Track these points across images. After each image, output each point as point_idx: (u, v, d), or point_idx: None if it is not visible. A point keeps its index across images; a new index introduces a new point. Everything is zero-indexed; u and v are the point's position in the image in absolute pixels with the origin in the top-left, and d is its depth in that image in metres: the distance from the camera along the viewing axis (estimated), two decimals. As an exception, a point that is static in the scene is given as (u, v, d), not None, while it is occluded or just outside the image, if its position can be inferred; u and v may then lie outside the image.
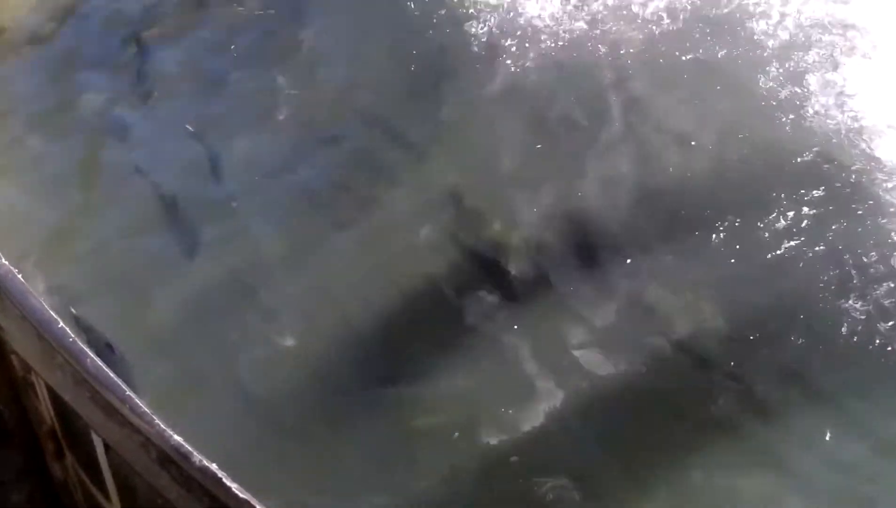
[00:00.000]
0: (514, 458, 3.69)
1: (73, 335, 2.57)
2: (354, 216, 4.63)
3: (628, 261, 4.48)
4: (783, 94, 5.27)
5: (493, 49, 5.52)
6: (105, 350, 3.68)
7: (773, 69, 5.39)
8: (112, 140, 5.24)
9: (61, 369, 2.65)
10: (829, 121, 5.10)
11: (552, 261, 4.44)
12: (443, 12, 5.61)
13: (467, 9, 5.64)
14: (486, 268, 4.43)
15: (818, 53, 5.52)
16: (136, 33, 5.77)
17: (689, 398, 3.94)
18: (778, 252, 4.46)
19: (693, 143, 5.02)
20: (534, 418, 3.80)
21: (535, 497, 3.57)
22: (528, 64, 5.45)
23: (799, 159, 4.95)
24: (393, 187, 4.80)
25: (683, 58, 5.46)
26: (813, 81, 5.33)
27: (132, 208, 4.79)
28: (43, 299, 2.65)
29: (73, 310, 3.88)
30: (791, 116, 5.15)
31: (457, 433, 3.72)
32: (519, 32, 5.63)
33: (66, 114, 5.38)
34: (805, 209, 4.64)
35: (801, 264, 4.43)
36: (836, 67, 5.46)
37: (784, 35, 5.62)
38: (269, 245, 4.51)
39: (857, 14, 5.75)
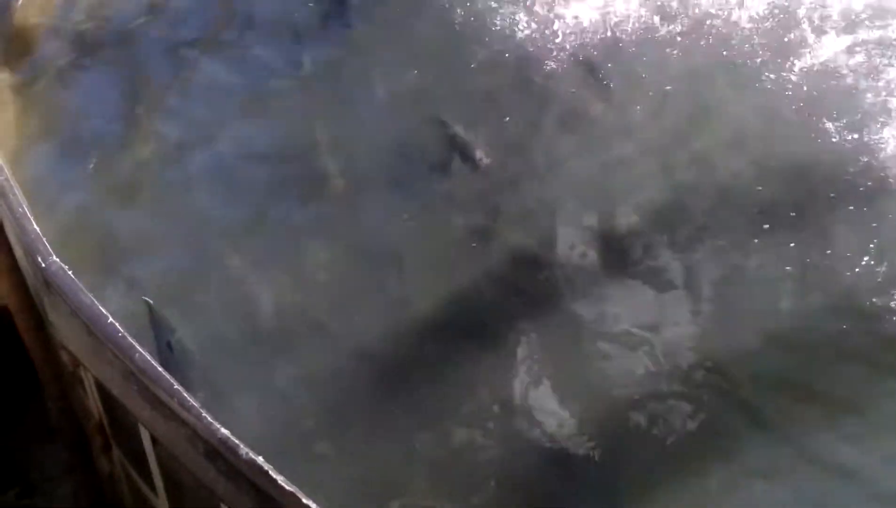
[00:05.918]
0: (536, 463, 3.70)
1: (122, 331, 2.62)
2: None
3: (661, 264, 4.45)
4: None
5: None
6: (165, 349, 3.72)
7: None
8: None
9: (110, 363, 2.71)
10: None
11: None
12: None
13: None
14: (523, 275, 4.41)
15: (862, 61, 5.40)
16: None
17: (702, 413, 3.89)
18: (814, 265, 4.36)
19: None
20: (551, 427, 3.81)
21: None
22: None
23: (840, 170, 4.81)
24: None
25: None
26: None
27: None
28: (93, 295, 2.71)
29: (147, 299, 3.82)
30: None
31: (488, 437, 3.73)
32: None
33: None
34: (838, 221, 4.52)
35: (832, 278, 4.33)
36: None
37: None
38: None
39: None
